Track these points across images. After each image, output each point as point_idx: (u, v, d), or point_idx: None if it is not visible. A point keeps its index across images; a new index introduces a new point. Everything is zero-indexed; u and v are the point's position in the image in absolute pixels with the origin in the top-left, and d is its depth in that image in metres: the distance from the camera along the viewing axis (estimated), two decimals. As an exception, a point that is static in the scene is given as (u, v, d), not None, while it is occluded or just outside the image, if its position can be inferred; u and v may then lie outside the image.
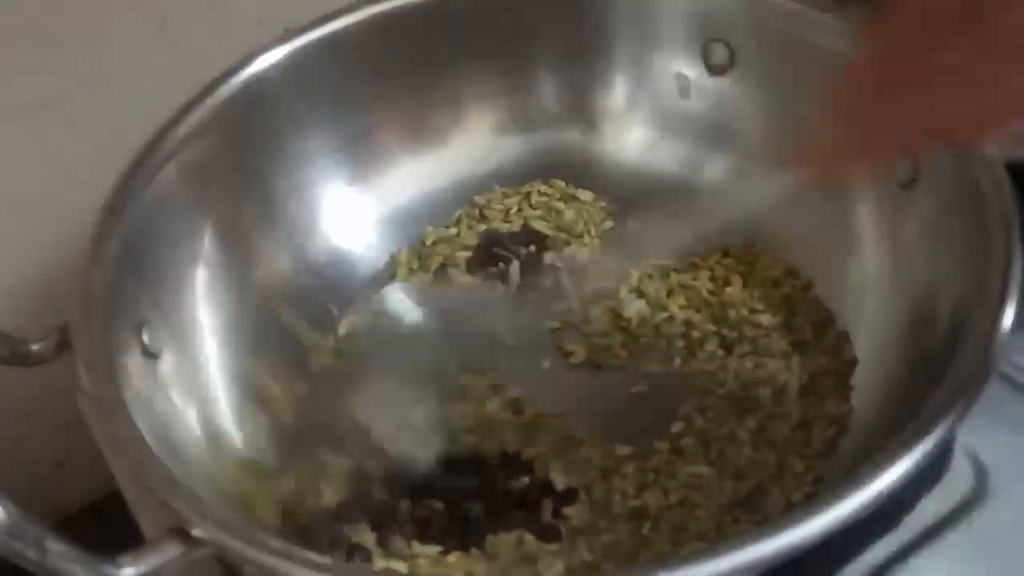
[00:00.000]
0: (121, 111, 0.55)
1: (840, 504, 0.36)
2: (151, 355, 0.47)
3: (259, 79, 0.54)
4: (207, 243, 0.53)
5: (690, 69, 0.58)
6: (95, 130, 0.57)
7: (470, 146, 0.60)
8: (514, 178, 0.60)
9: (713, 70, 0.58)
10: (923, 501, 0.46)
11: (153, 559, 0.37)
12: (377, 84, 0.58)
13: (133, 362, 0.45)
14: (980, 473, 0.47)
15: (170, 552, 0.38)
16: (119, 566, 0.37)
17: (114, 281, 0.46)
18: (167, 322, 0.49)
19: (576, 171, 0.60)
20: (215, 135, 0.52)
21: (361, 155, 0.58)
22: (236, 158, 0.54)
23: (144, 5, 0.57)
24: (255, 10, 0.59)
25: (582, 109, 0.60)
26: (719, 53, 0.57)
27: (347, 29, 0.56)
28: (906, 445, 0.37)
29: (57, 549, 0.36)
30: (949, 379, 0.39)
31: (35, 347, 0.46)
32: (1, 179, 0.56)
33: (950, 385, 0.39)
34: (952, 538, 0.45)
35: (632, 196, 0.59)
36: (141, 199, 0.49)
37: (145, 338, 0.47)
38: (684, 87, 0.59)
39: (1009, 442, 0.48)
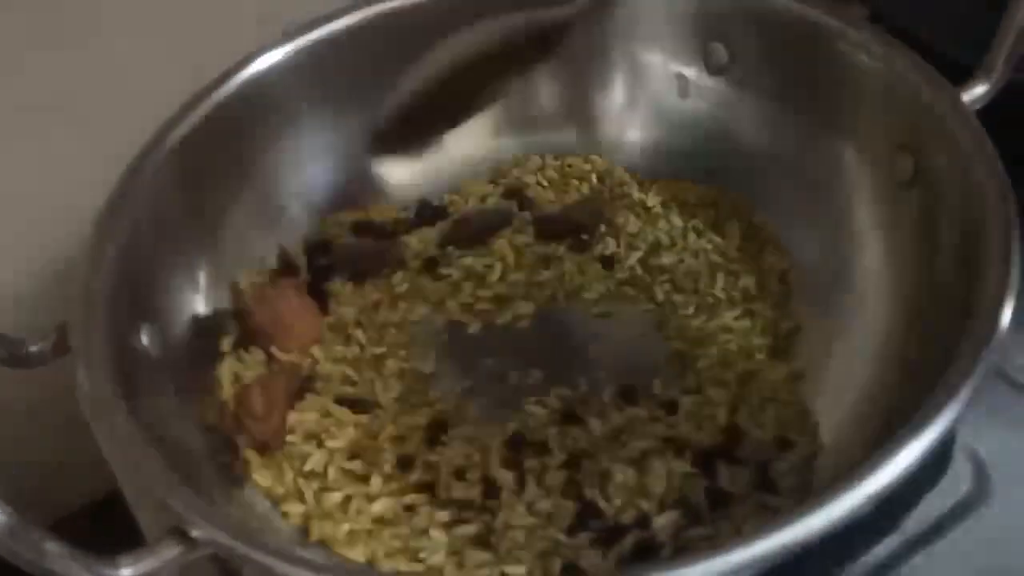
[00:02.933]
0: (121, 111, 0.54)
1: (835, 503, 0.36)
2: (150, 356, 0.47)
3: (259, 79, 0.54)
4: (206, 245, 0.53)
5: (689, 69, 0.58)
6: (95, 130, 0.56)
7: (468, 147, 0.60)
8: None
9: (712, 70, 0.58)
10: (923, 501, 0.46)
11: (152, 560, 0.37)
12: (376, 84, 0.57)
13: (132, 363, 0.45)
14: (980, 473, 0.47)
15: (169, 553, 0.37)
16: (118, 567, 0.37)
17: (113, 282, 0.46)
18: (166, 323, 0.49)
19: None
20: (215, 135, 0.52)
21: (360, 156, 0.58)
22: (236, 158, 0.54)
23: (145, 6, 0.57)
24: (255, 10, 0.59)
25: (580, 110, 0.60)
26: (718, 53, 0.57)
27: (347, 29, 0.56)
28: (902, 444, 0.37)
29: (55, 550, 0.36)
30: (945, 379, 0.39)
31: (34, 348, 0.46)
32: (0, 179, 0.56)
33: (946, 385, 0.39)
34: (952, 538, 0.45)
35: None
36: (141, 199, 0.49)
37: (144, 339, 0.47)
38: (683, 88, 0.59)
39: (1009, 442, 0.48)
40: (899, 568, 0.45)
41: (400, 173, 0.60)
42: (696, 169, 0.59)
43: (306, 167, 0.57)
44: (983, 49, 0.50)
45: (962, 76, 0.50)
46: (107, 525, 0.46)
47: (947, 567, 0.45)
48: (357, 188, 0.59)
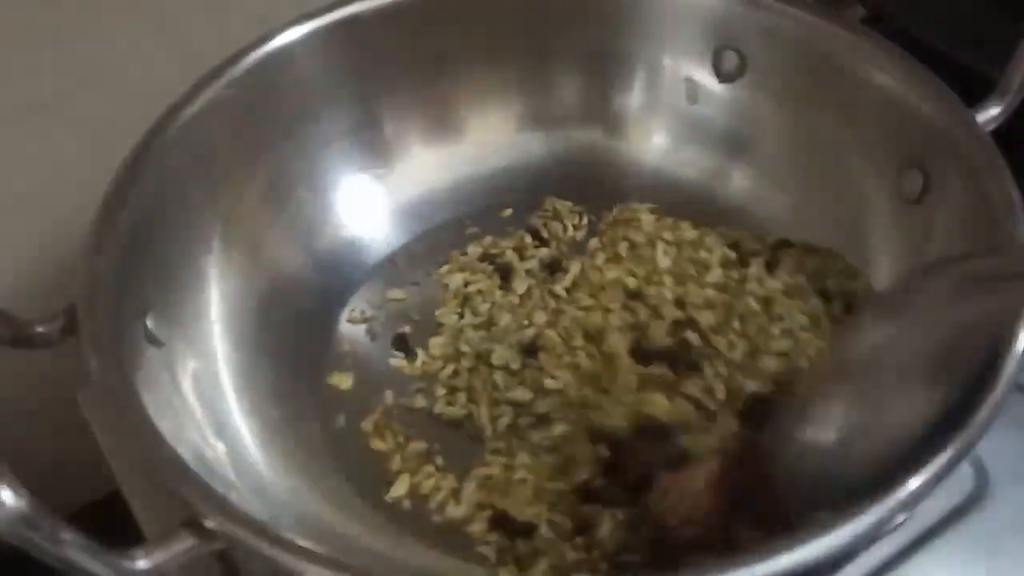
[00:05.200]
0: (121, 111, 0.54)
1: (844, 527, 0.36)
2: (156, 342, 0.46)
3: (271, 61, 0.53)
4: (213, 230, 0.52)
5: (700, 75, 0.58)
6: (95, 130, 0.56)
7: (488, 141, 0.60)
8: (530, 175, 0.60)
9: (723, 77, 0.58)
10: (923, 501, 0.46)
11: (166, 552, 0.37)
12: (394, 71, 0.57)
13: (138, 349, 0.44)
14: (980, 473, 0.48)
15: (183, 544, 0.37)
16: (132, 559, 0.36)
17: (119, 266, 0.45)
18: (172, 309, 0.48)
19: (594, 172, 0.60)
20: (223, 118, 0.51)
21: (374, 143, 0.58)
22: (244, 143, 0.53)
23: (144, 5, 0.57)
24: (255, 10, 0.59)
25: (602, 109, 0.60)
26: (730, 60, 0.57)
27: (364, 13, 0.55)
28: (916, 468, 0.37)
29: (72, 540, 0.35)
30: (962, 400, 0.39)
31: (40, 329, 0.44)
32: (1, 177, 0.56)
33: (962, 407, 0.39)
34: (952, 538, 0.46)
35: (655, 200, 0.59)
36: (147, 182, 0.48)
37: (149, 324, 0.46)
38: (692, 93, 0.59)
39: (1009, 442, 0.48)
40: (899, 568, 0.45)
41: (419, 162, 0.59)
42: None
43: (317, 152, 0.56)
44: (981, 48, 0.50)
45: (962, 77, 0.50)
46: (106, 526, 0.45)
47: (947, 567, 0.45)
48: (372, 175, 0.58)
